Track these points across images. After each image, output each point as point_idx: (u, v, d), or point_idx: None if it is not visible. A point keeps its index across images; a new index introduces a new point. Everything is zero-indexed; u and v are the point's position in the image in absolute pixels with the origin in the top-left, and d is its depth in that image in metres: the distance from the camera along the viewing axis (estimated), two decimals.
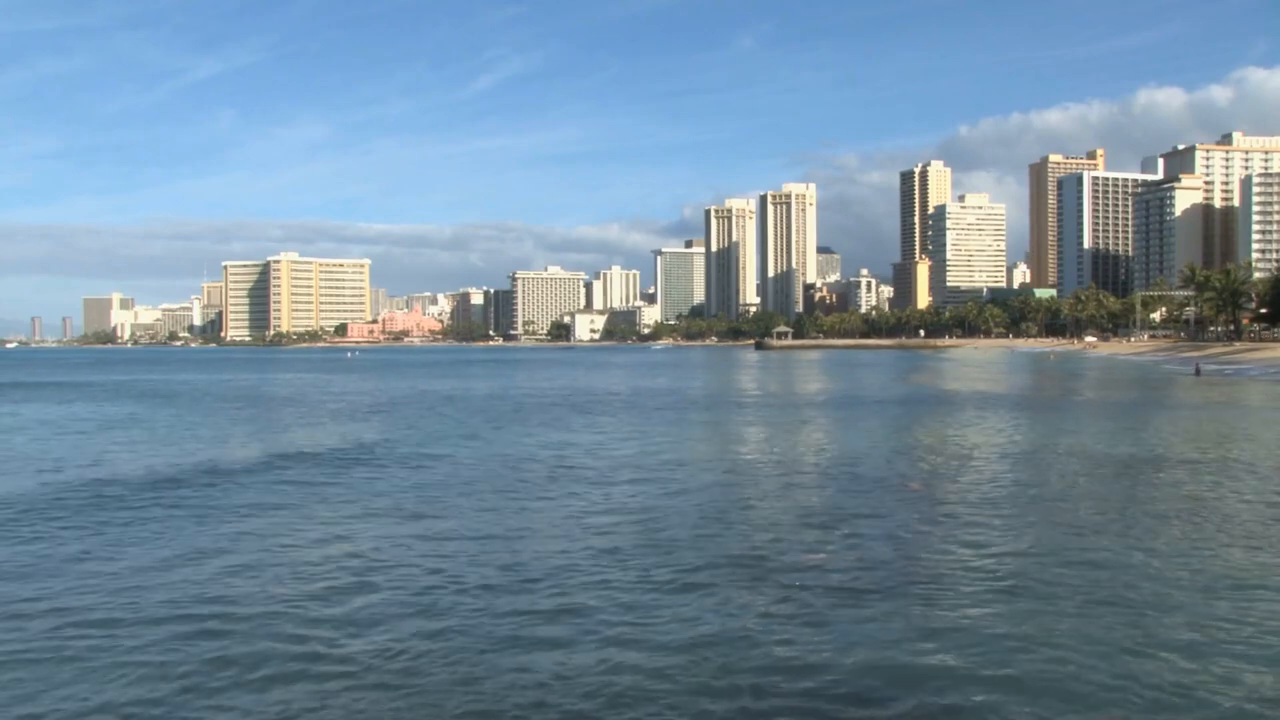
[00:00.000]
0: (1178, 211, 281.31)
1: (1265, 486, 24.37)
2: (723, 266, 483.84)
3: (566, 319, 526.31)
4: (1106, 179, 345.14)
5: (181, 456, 32.41)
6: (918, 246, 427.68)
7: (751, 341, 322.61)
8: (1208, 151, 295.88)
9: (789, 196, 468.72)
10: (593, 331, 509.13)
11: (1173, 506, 21.64)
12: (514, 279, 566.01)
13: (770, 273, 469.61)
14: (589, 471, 28.14)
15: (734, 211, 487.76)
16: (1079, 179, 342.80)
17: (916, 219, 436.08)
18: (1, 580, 15.61)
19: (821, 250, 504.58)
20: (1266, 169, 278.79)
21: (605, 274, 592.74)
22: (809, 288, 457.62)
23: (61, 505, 22.50)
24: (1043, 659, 11.70)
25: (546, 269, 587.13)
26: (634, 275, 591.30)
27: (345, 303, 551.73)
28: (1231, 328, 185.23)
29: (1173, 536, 18.42)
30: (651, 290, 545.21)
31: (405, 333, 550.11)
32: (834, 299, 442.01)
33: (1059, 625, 12.97)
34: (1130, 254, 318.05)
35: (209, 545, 18.08)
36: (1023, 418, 46.41)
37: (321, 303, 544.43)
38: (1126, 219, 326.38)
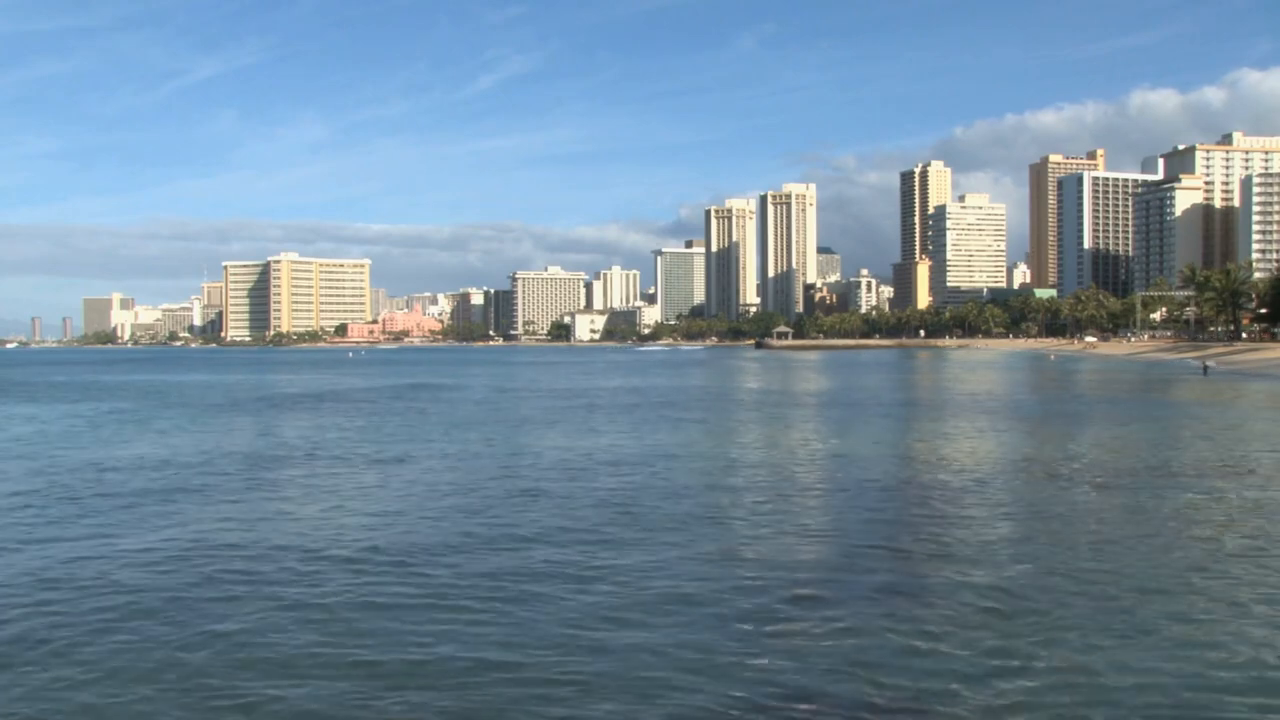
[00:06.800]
0: (1178, 212, 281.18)
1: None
2: (723, 266, 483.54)
3: (567, 319, 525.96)
4: (1106, 179, 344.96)
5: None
6: (918, 246, 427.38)
7: (751, 341, 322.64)
8: (1208, 152, 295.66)
9: (789, 196, 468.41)
10: (593, 332, 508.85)
11: (1176, 514, 21.71)
12: (514, 279, 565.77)
13: (770, 273, 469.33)
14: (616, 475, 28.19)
15: (734, 211, 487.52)
16: (1079, 179, 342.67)
17: (916, 219, 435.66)
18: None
19: (821, 250, 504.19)
20: (1266, 169, 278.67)
21: (605, 274, 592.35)
22: (809, 288, 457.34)
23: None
24: (1043, 674, 11.72)
25: (546, 269, 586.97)
26: (634, 275, 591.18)
27: (345, 303, 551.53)
28: (1231, 328, 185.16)
29: (1182, 548, 18.48)
30: (651, 290, 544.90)
31: (405, 333, 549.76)
32: (834, 299, 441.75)
33: (1061, 637, 12.99)
34: (1130, 254, 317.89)
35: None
36: (1024, 420, 46.49)
37: (321, 303, 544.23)
38: (1126, 219, 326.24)
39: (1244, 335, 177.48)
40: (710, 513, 21.41)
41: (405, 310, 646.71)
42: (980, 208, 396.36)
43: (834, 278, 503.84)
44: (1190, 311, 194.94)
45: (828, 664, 11.69)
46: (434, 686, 11.12)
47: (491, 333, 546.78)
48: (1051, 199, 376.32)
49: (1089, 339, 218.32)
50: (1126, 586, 14.87)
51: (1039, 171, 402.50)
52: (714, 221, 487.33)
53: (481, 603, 14.29)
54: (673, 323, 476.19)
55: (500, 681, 11.24)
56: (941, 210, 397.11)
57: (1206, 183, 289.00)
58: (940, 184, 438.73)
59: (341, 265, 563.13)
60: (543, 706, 10.57)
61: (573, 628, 13.10)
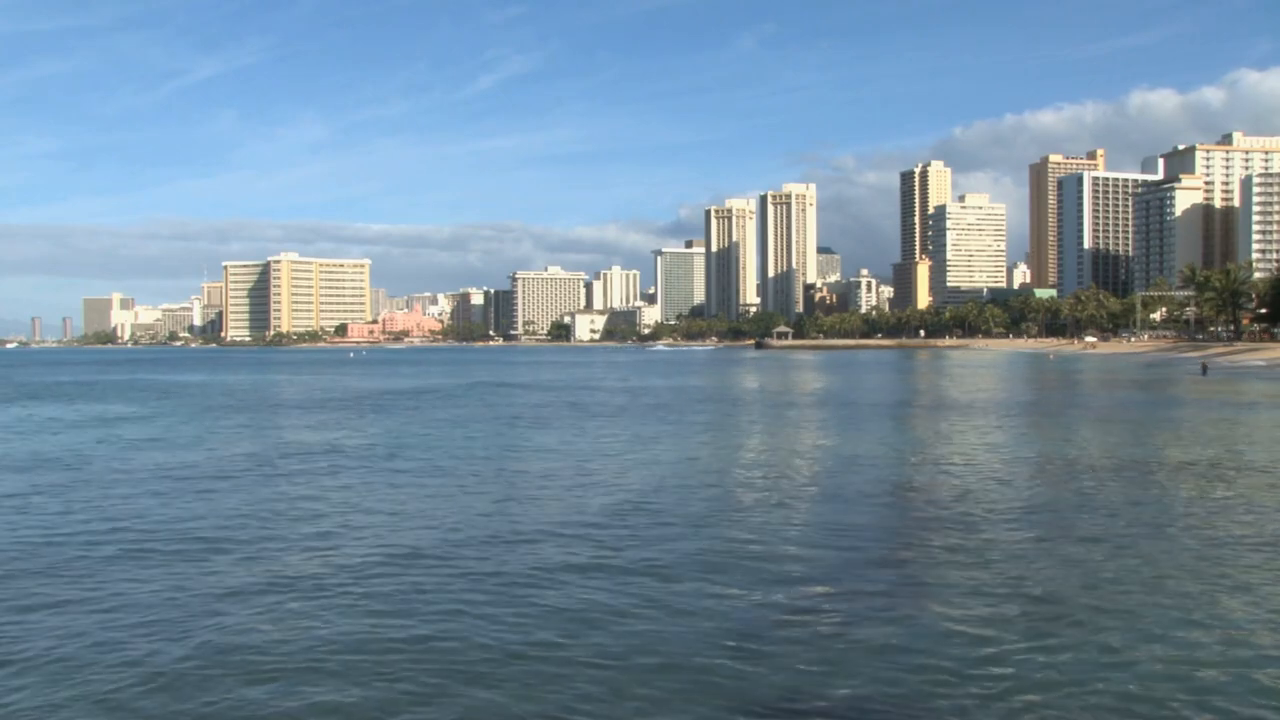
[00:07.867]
0: (1178, 212, 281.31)
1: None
2: (723, 266, 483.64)
3: (567, 319, 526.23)
4: (1106, 179, 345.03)
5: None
6: (918, 246, 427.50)
7: (751, 342, 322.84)
8: (1208, 152, 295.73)
9: (789, 196, 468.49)
10: (593, 332, 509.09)
11: (1182, 511, 21.74)
12: (514, 279, 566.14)
13: (770, 273, 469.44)
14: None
15: (734, 211, 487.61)
16: (1079, 179, 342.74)
17: (916, 219, 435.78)
18: None
19: (821, 250, 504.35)
20: (1266, 169, 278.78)
21: (605, 274, 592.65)
22: (809, 288, 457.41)
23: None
24: (1046, 680, 11.72)
25: (546, 269, 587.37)
26: (634, 275, 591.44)
27: (345, 303, 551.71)
28: (1231, 328, 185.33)
29: (1185, 541, 18.53)
30: (651, 290, 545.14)
31: (405, 333, 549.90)
32: (834, 299, 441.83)
33: (1066, 643, 13.00)
34: (1130, 254, 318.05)
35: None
36: (1028, 420, 46.53)
37: (321, 303, 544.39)
38: (1127, 219, 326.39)
39: (1244, 335, 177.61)
40: (719, 512, 21.47)
41: (405, 310, 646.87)
42: (980, 208, 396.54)
43: (834, 278, 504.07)
44: (1190, 311, 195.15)
45: (835, 664, 11.70)
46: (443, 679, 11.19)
47: (491, 333, 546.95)
48: (1051, 199, 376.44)
49: (1089, 339, 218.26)
50: (1134, 584, 14.88)
51: (1039, 171, 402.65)
52: (714, 221, 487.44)
53: (485, 600, 14.38)
54: (673, 323, 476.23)
55: (488, 690, 11.30)
56: (941, 210, 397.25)
57: (1206, 183, 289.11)
58: (940, 184, 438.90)
59: (341, 265, 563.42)
60: (547, 706, 10.64)
61: (577, 624, 13.17)
